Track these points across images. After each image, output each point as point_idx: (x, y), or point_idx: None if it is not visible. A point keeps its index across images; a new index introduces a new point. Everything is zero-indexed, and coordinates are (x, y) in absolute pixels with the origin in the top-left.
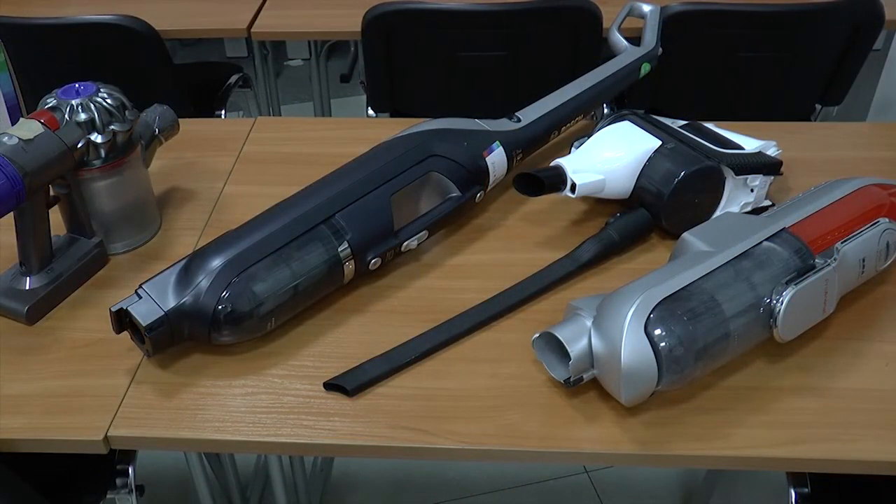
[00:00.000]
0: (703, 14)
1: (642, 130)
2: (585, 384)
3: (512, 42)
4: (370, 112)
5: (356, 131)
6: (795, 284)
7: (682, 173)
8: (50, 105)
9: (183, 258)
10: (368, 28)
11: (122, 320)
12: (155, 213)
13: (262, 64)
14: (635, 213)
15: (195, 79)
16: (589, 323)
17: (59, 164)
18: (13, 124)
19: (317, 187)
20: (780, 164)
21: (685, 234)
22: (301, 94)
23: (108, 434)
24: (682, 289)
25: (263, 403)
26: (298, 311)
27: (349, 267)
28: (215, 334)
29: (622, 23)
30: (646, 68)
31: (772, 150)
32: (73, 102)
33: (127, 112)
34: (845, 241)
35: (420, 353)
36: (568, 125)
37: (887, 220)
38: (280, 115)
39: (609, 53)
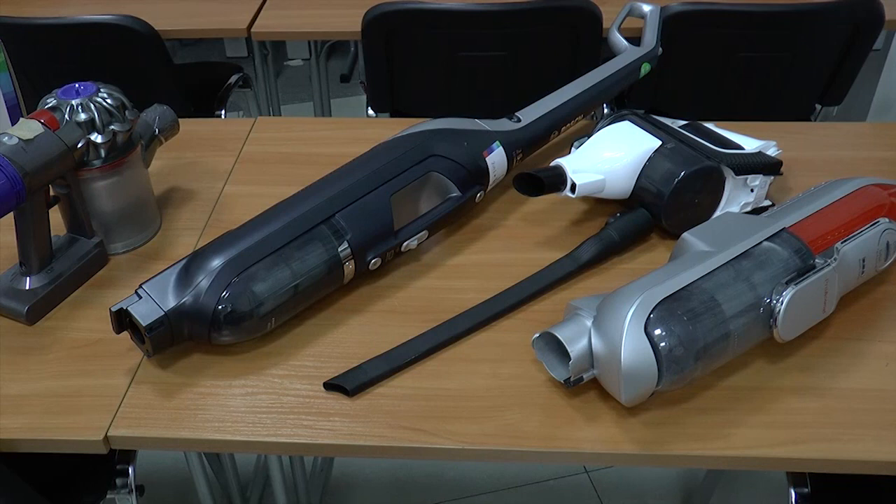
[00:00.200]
0: (703, 14)
1: (642, 130)
2: (585, 384)
3: (512, 42)
4: (370, 112)
5: (356, 131)
6: (795, 284)
7: (682, 173)
8: (50, 105)
9: (183, 258)
10: (368, 28)
11: (122, 320)
12: (155, 213)
13: (262, 64)
14: (635, 213)
15: (195, 79)
16: (589, 323)
17: (59, 164)
18: (13, 124)
19: (317, 187)
20: (780, 164)
21: (685, 234)
22: (301, 94)
23: (108, 434)
24: (682, 289)
25: (263, 403)
26: (298, 311)
27: (349, 267)
28: (215, 334)
29: (622, 23)
30: (646, 68)
31: (772, 150)
32: (73, 102)
33: (127, 112)
34: (845, 241)
35: (420, 353)
36: (568, 125)
37: (887, 220)
38: (280, 115)
39: (609, 53)
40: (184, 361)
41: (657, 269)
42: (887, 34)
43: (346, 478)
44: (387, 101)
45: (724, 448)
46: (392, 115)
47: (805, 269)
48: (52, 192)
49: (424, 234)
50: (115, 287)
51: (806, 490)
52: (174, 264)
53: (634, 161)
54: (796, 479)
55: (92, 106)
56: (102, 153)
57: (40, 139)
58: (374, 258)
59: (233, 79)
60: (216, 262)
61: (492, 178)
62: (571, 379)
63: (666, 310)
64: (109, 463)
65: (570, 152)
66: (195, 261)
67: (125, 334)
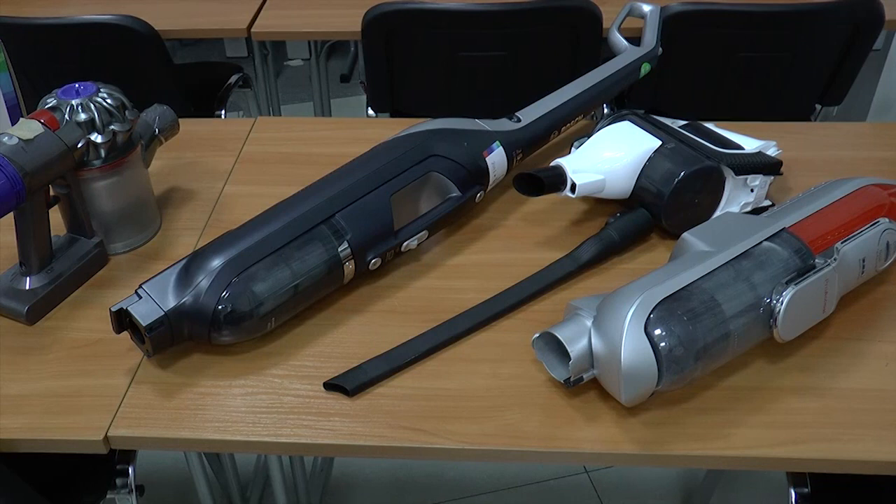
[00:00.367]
0: (703, 14)
1: (642, 130)
2: (585, 384)
3: (512, 42)
4: (370, 112)
5: (356, 131)
6: (795, 284)
7: (682, 173)
8: (50, 105)
9: (183, 258)
10: (368, 28)
11: (122, 320)
12: (155, 213)
13: (262, 64)
14: (635, 213)
15: (195, 79)
16: (589, 323)
17: (59, 164)
18: (13, 124)
19: (317, 187)
20: (780, 164)
21: (685, 234)
22: (301, 94)
23: (108, 434)
24: (682, 289)
25: (263, 403)
26: (298, 311)
27: (349, 267)
28: (215, 334)
29: (622, 23)
30: (646, 68)
31: (772, 150)
32: (73, 102)
33: (127, 112)
34: (845, 241)
35: (420, 353)
36: (568, 125)
37: (887, 220)
38: (280, 115)
39: (609, 53)
40: (184, 361)
41: (657, 269)
42: (887, 34)
43: (346, 478)
44: (387, 101)
45: (724, 448)
46: (392, 115)
47: (805, 269)
48: (52, 192)
49: (424, 234)
50: (115, 287)
51: (806, 490)
52: (174, 264)
53: (634, 161)
54: (796, 479)
55: (92, 106)
56: (102, 153)
57: (40, 139)
58: (374, 258)
59: (233, 79)
60: (216, 262)
61: (492, 178)
62: (571, 379)
63: (666, 310)
64: (109, 463)
65: (570, 152)
66: (195, 261)
67: (125, 334)
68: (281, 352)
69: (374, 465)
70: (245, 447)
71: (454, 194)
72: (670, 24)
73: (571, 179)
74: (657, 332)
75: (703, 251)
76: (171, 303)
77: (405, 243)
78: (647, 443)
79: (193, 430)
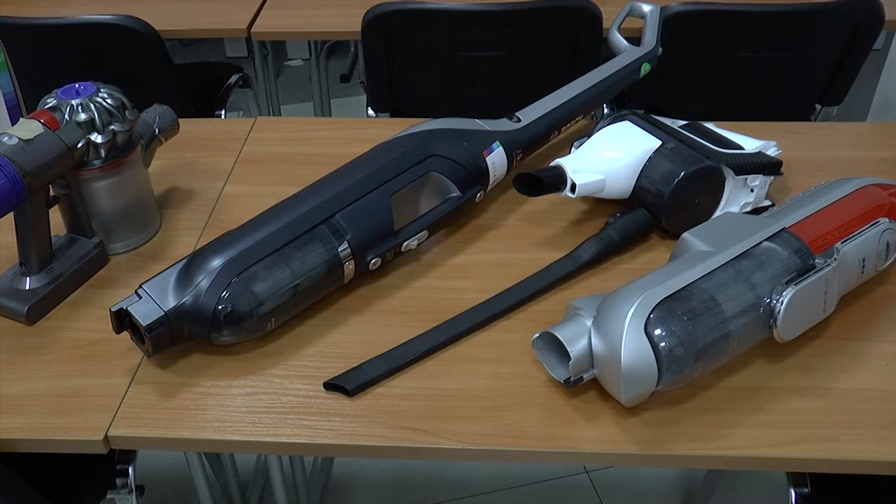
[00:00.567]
0: (703, 14)
1: (642, 130)
2: (585, 384)
3: (512, 42)
4: (370, 112)
5: (356, 131)
6: (795, 284)
7: (682, 173)
8: (50, 105)
9: (183, 258)
10: (368, 28)
11: (122, 320)
12: (155, 213)
13: (262, 64)
14: (635, 213)
15: (195, 79)
16: (589, 323)
17: (59, 164)
18: (13, 124)
19: (317, 187)
20: (780, 164)
21: (685, 234)
22: (301, 94)
23: (108, 434)
24: (682, 289)
25: (263, 403)
26: (298, 311)
27: (349, 267)
28: (215, 334)
29: (622, 23)
30: (646, 68)
31: (772, 150)
32: (73, 102)
33: (127, 112)
34: (845, 241)
35: (420, 353)
36: (568, 125)
37: (887, 220)
38: (280, 115)
39: (609, 53)
40: (184, 361)
41: (657, 269)
42: (887, 34)
43: (346, 478)
44: (387, 101)
45: (724, 448)
46: (392, 115)
47: (805, 269)
48: (52, 192)
49: (424, 234)
50: (115, 287)
51: (806, 490)
52: (174, 264)
53: (634, 161)
54: (796, 479)
55: (92, 106)
56: (102, 153)
57: (40, 139)
58: (374, 258)
59: (233, 79)
60: (216, 262)
61: (492, 178)
62: (571, 379)
63: (666, 310)
64: (109, 463)
65: (570, 152)
66: (195, 261)
67: (125, 334)
68: (281, 352)
69: (374, 465)
70: (245, 447)
71: (454, 194)
72: (670, 24)
73: (571, 179)
74: (657, 332)
75: (703, 251)
76: (171, 303)
77: (405, 243)
78: (647, 443)
79: (193, 430)
